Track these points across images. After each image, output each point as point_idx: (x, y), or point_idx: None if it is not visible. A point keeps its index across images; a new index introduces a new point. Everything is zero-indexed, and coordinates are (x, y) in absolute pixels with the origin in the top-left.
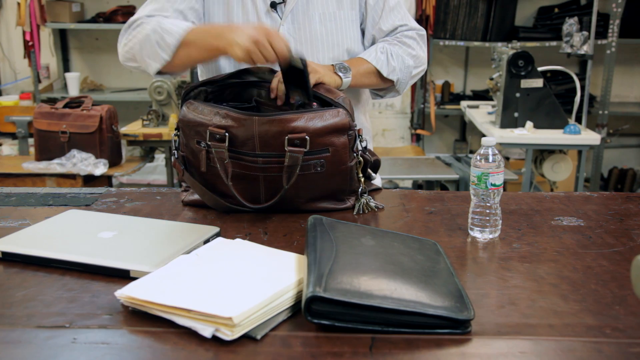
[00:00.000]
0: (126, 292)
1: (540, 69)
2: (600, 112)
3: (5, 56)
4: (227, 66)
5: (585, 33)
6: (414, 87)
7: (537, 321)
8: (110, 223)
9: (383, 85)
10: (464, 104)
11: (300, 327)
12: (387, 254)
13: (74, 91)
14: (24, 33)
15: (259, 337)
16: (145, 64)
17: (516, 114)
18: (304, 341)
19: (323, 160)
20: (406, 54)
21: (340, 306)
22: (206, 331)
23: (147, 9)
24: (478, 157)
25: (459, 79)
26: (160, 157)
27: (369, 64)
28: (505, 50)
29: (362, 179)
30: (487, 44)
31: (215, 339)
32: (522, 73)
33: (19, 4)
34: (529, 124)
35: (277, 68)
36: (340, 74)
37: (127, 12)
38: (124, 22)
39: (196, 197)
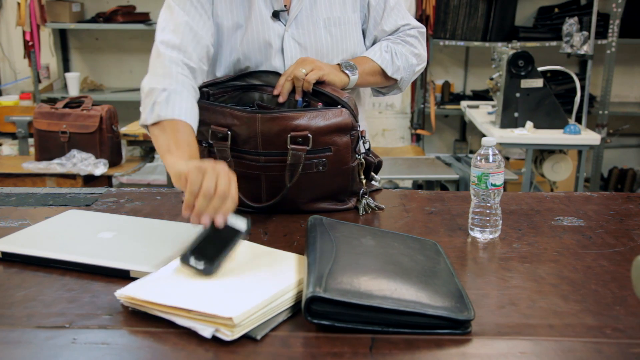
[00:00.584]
0: (126, 293)
1: (540, 69)
2: (600, 112)
3: (5, 56)
4: (223, 73)
5: (585, 33)
6: (414, 87)
7: (537, 321)
8: (110, 223)
9: (386, 84)
10: (464, 104)
11: (300, 327)
12: (387, 254)
13: (74, 91)
14: (24, 33)
15: (259, 337)
16: (142, 109)
17: (516, 114)
18: (304, 341)
19: (325, 159)
20: (409, 52)
21: (340, 306)
22: (206, 331)
23: (169, 37)
24: (478, 157)
25: (459, 79)
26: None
27: (374, 63)
28: (505, 50)
29: (364, 181)
30: (487, 44)
31: (215, 339)
32: (522, 73)
33: (19, 4)
34: (529, 124)
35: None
36: (348, 72)
37: (127, 12)
38: (124, 22)
39: None
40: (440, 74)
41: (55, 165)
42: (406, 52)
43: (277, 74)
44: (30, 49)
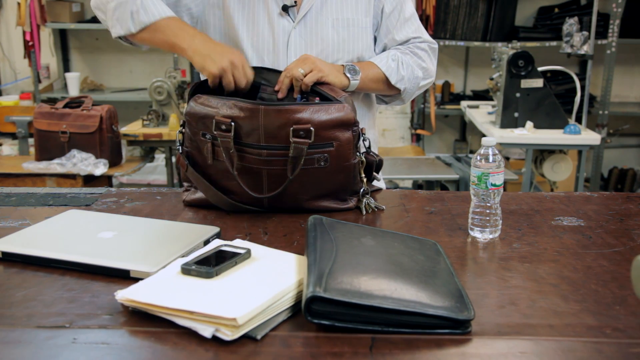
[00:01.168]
0: (127, 295)
1: (540, 69)
2: (600, 112)
3: (5, 56)
4: None
5: (585, 33)
6: None
7: (537, 321)
8: (110, 223)
9: (389, 93)
10: (464, 104)
11: (300, 327)
12: (387, 254)
13: (74, 91)
14: (24, 33)
15: (259, 337)
16: (111, 24)
17: (516, 114)
18: (304, 341)
19: (327, 154)
20: (416, 64)
21: (340, 306)
22: (206, 331)
23: None
24: (478, 157)
25: (459, 79)
26: (160, 157)
27: (378, 70)
28: (505, 50)
29: (365, 180)
30: (487, 44)
31: (215, 339)
32: (522, 73)
33: (19, 4)
34: (529, 124)
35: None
36: (349, 75)
37: None
38: None
39: (197, 196)
40: (440, 74)
41: (55, 165)
42: (413, 63)
43: (278, 72)
44: (30, 49)
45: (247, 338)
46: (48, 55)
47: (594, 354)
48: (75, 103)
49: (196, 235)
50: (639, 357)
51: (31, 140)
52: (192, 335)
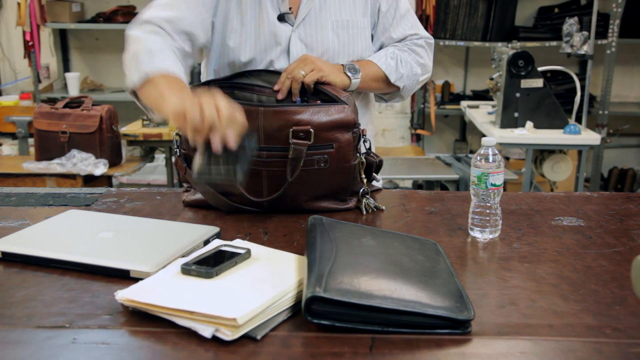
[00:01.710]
0: (127, 295)
1: (540, 69)
2: (600, 112)
3: (5, 56)
4: (223, 73)
5: (585, 33)
6: None
7: (537, 321)
8: (110, 223)
9: (388, 90)
10: (464, 104)
11: (300, 327)
12: (387, 254)
13: (74, 91)
14: (24, 33)
15: (259, 337)
16: (128, 74)
17: (516, 114)
18: (304, 341)
19: (327, 156)
20: (415, 61)
21: (340, 306)
22: (206, 331)
23: (159, 11)
24: (478, 157)
25: (459, 79)
26: (160, 157)
27: (377, 68)
28: (505, 50)
29: (365, 180)
30: (487, 44)
31: (215, 339)
32: (522, 73)
33: (19, 4)
34: (529, 124)
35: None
36: (350, 75)
37: (127, 12)
38: (124, 22)
39: (197, 197)
40: (440, 74)
41: (55, 165)
42: (411, 60)
43: (278, 73)
44: (30, 49)
45: (247, 338)
46: (48, 55)
47: (594, 354)
48: (75, 103)
49: (196, 236)
50: (639, 357)
51: (31, 140)
52: (192, 335)
